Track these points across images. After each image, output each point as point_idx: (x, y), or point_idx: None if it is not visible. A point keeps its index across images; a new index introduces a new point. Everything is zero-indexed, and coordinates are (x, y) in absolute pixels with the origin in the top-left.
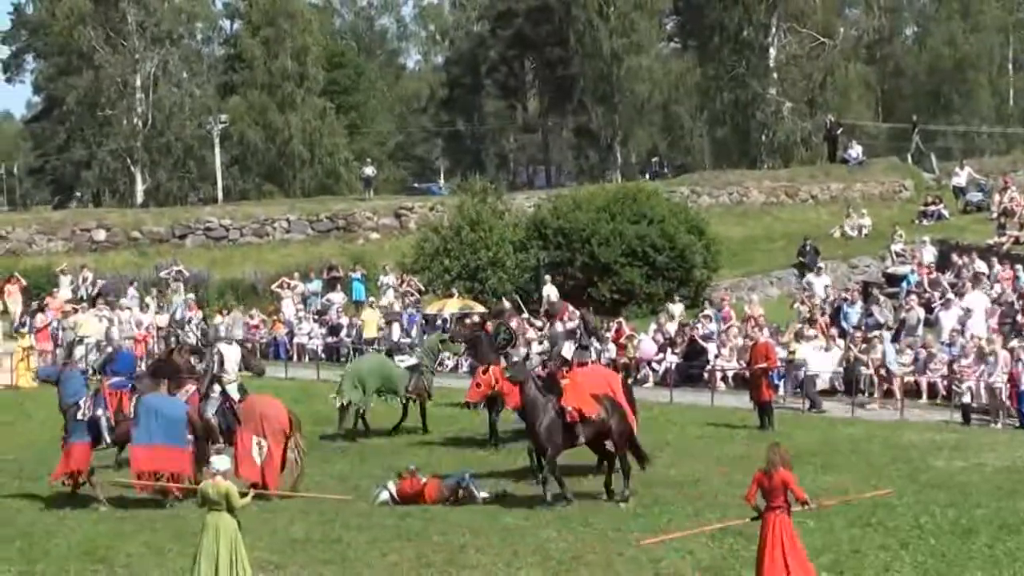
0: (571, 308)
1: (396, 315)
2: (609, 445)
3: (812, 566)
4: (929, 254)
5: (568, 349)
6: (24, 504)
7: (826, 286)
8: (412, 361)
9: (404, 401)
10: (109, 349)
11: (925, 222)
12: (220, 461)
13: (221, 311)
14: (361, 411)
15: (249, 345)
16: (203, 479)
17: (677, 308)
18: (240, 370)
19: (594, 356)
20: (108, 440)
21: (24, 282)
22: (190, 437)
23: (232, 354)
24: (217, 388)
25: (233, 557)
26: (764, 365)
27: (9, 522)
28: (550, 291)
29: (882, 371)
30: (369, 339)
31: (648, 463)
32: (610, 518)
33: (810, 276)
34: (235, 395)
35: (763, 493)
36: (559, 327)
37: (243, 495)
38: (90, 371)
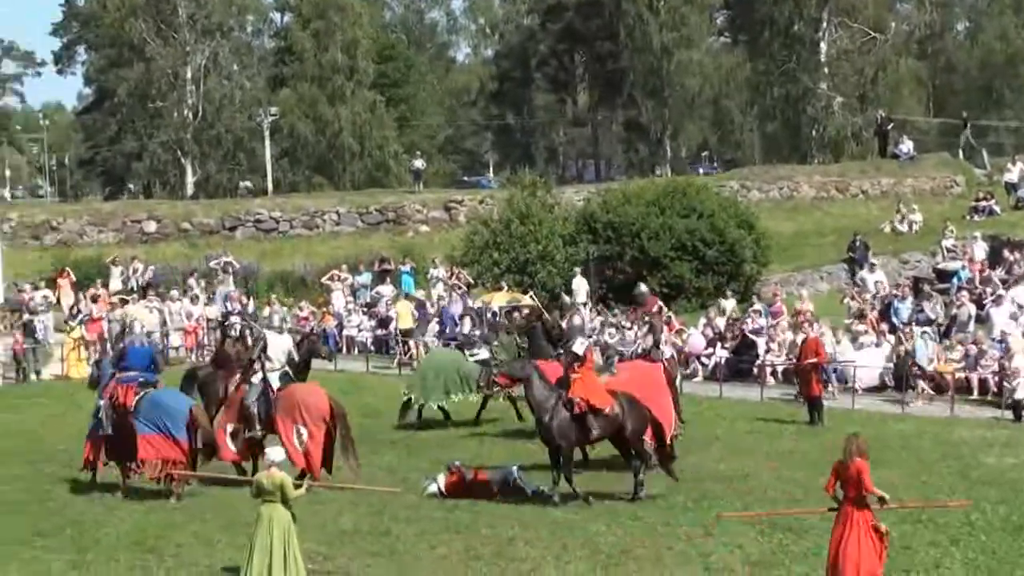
0: (659, 302)
1: (471, 309)
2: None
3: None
4: (981, 250)
5: (580, 345)
6: (74, 494)
7: (877, 282)
8: (484, 355)
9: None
10: (121, 345)
11: (976, 218)
12: (275, 452)
13: (269, 303)
14: (421, 406)
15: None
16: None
17: (730, 303)
18: (291, 360)
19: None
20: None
21: (74, 277)
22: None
23: (279, 343)
24: (258, 376)
25: (287, 550)
26: (814, 360)
27: (59, 511)
28: (579, 284)
29: (915, 369)
30: (404, 330)
31: (651, 465)
32: (659, 512)
33: (863, 272)
34: (275, 384)
35: (840, 484)
36: (576, 320)
37: (297, 486)
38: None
